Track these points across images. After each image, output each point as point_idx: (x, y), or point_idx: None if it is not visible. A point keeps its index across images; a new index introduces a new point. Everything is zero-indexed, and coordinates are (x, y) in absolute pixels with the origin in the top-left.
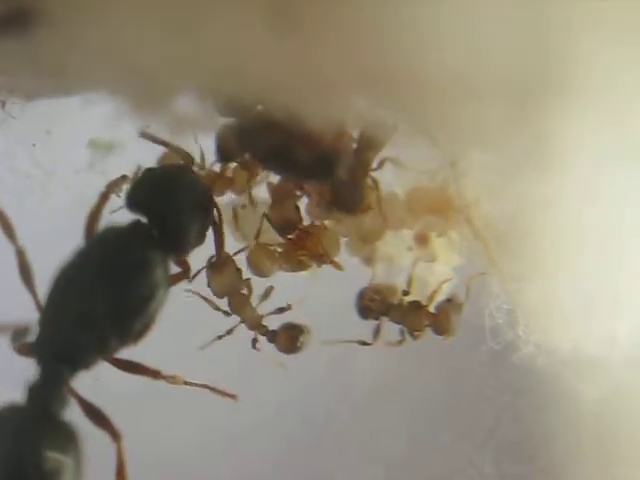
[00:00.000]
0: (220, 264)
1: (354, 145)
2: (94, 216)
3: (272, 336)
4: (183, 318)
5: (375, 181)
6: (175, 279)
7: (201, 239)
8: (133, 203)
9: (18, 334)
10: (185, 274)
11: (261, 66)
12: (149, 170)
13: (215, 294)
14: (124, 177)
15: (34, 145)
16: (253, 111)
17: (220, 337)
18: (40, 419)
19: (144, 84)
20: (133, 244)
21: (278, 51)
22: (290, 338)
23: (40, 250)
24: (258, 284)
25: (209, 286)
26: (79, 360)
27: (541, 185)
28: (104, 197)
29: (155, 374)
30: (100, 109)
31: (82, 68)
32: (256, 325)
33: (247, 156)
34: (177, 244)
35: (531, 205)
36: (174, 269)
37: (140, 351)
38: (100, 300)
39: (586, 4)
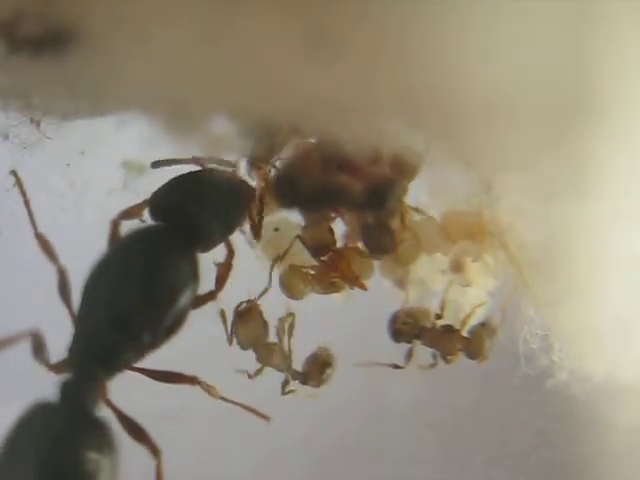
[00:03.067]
0: (246, 312)
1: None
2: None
3: (304, 378)
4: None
5: (402, 214)
6: (205, 299)
7: (230, 231)
8: (157, 207)
9: (37, 344)
10: (214, 294)
11: (297, 89)
12: (169, 181)
13: (241, 346)
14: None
15: (68, 165)
16: (291, 154)
17: (250, 377)
18: (76, 418)
19: (179, 104)
20: (160, 241)
21: (315, 75)
22: (319, 373)
23: (72, 269)
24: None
25: (235, 336)
26: (112, 359)
27: (576, 209)
28: (115, 224)
29: (192, 380)
30: (134, 130)
31: (117, 88)
32: (285, 370)
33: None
34: (202, 240)
35: (566, 229)
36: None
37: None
38: (130, 296)
39: (622, 30)
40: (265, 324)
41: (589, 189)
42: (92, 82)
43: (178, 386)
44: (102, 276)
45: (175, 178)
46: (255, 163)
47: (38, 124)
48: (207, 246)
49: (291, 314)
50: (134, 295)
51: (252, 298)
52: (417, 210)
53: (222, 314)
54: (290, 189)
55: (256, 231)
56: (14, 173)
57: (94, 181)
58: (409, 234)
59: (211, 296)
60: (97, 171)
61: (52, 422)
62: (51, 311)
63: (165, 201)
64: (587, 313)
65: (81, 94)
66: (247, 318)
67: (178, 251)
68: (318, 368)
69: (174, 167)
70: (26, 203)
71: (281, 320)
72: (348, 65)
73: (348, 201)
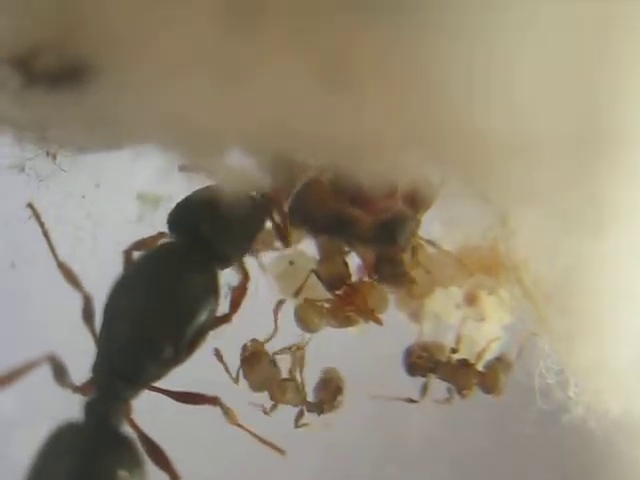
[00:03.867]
0: (252, 357)
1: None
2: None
3: (319, 408)
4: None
5: (415, 249)
6: (219, 321)
7: (247, 248)
8: (175, 223)
9: (57, 369)
10: (229, 317)
11: (311, 122)
12: (186, 197)
13: (252, 388)
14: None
15: (84, 197)
16: (305, 183)
17: (266, 412)
18: (103, 437)
19: (194, 138)
20: (178, 256)
21: (328, 107)
22: (332, 400)
23: None
24: None
25: (245, 379)
26: (135, 375)
27: (592, 245)
28: (128, 255)
29: (213, 401)
30: (150, 162)
31: (133, 122)
32: (300, 405)
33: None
34: (221, 255)
35: (582, 265)
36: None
37: None
38: (151, 310)
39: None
40: (273, 364)
41: (606, 225)
42: (108, 116)
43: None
44: (122, 293)
45: (193, 194)
46: (273, 196)
47: (54, 157)
48: (225, 262)
49: (301, 347)
50: (154, 310)
51: (255, 339)
52: (431, 243)
53: (217, 353)
54: (302, 218)
55: (284, 238)
56: (30, 205)
57: (110, 213)
58: (421, 269)
59: (225, 319)
60: (113, 203)
61: (79, 441)
62: (65, 343)
63: (183, 217)
64: (603, 348)
65: (97, 128)
66: (254, 362)
67: (196, 266)
68: (331, 394)
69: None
70: (45, 234)
71: (292, 354)
72: (365, 98)
73: (359, 234)
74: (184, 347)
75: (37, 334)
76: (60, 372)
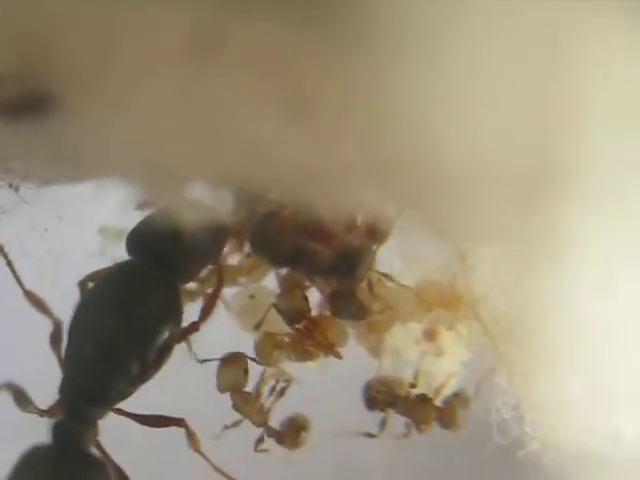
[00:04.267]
0: (232, 359)
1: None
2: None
3: (279, 437)
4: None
5: (370, 282)
6: (188, 330)
7: (206, 260)
8: (132, 244)
9: (18, 395)
10: (197, 325)
11: (273, 154)
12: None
13: (219, 389)
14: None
15: (46, 230)
16: (265, 213)
17: (226, 427)
18: (71, 459)
19: (157, 172)
20: (138, 272)
21: (291, 139)
22: (295, 436)
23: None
24: None
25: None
26: (101, 394)
27: (551, 280)
28: (83, 286)
29: (179, 423)
30: (112, 195)
31: (95, 155)
32: (261, 425)
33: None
34: (180, 269)
35: (541, 300)
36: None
37: None
38: (114, 327)
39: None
40: (245, 372)
41: (565, 260)
42: (70, 148)
43: None
44: (84, 313)
45: (149, 215)
46: (235, 230)
47: (17, 189)
48: (186, 276)
49: (289, 380)
50: (116, 327)
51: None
52: (388, 277)
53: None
54: (262, 249)
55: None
56: None
57: (72, 246)
58: (379, 303)
59: (194, 327)
60: (75, 236)
61: (48, 464)
62: (30, 370)
63: (139, 236)
64: (559, 384)
65: (60, 160)
66: (231, 363)
67: (156, 281)
68: (294, 430)
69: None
70: (9, 264)
71: (274, 380)
72: (325, 132)
73: (318, 266)
74: (150, 363)
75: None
76: (22, 398)
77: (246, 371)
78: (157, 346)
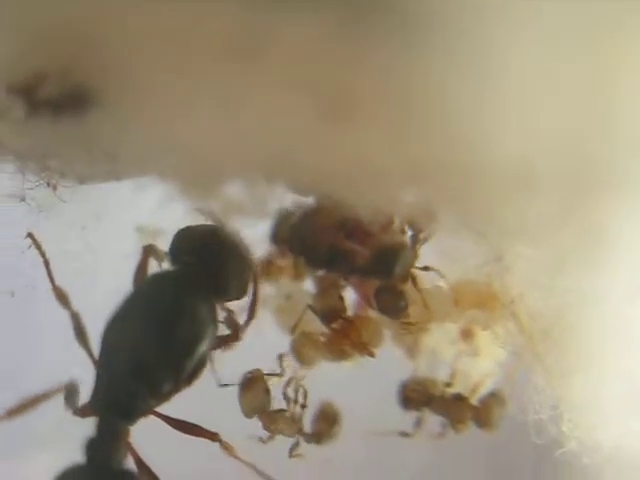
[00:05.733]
0: (250, 382)
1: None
2: (140, 270)
3: (316, 439)
4: None
5: (414, 278)
6: (225, 341)
7: (243, 283)
8: (176, 252)
9: (70, 394)
10: (235, 337)
11: (311, 153)
12: (189, 226)
13: (244, 414)
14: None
15: (83, 229)
16: (302, 214)
17: (263, 442)
18: (107, 476)
19: (195, 169)
20: (178, 286)
21: (328, 138)
22: (329, 431)
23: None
24: None
25: (239, 404)
26: (134, 408)
27: (589, 281)
28: (146, 252)
29: (212, 436)
30: (150, 194)
31: (135, 152)
32: (295, 435)
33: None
34: (221, 286)
35: (577, 300)
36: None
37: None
38: (149, 344)
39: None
40: (267, 392)
41: (603, 261)
42: (109, 146)
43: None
44: (121, 325)
45: (198, 226)
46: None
47: (54, 187)
48: (224, 296)
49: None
50: (154, 343)
51: (257, 368)
52: (429, 269)
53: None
54: (299, 249)
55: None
56: (31, 235)
57: (109, 245)
58: (418, 304)
59: (234, 337)
60: (112, 235)
61: None
62: (62, 368)
63: (185, 246)
64: (597, 383)
65: (98, 158)
66: (249, 387)
67: (197, 297)
68: (328, 426)
69: None
70: (46, 263)
71: (292, 386)
72: (364, 131)
73: (355, 266)
74: (183, 381)
75: (36, 361)
76: (72, 397)
77: (267, 391)
78: (192, 365)
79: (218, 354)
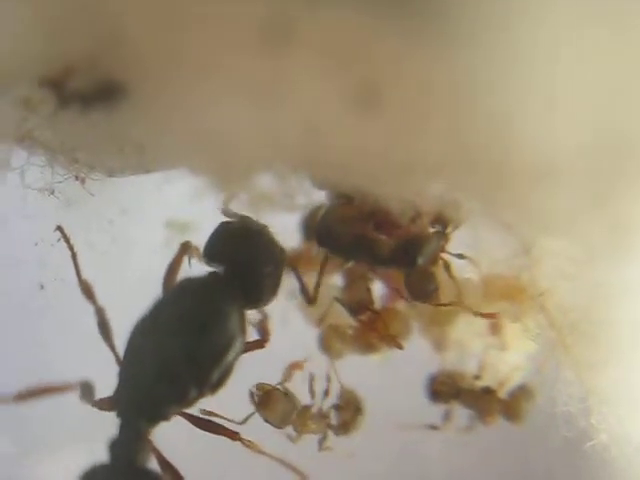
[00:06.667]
0: (265, 400)
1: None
2: (173, 268)
3: (343, 429)
4: None
5: (447, 264)
6: (253, 346)
7: (274, 292)
8: (212, 254)
9: (85, 391)
10: (263, 342)
11: (341, 145)
12: (227, 224)
13: (275, 427)
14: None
15: (110, 222)
16: (330, 205)
17: (292, 440)
18: (129, 474)
19: (225, 161)
20: (210, 294)
21: (358, 130)
22: (354, 420)
23: (115, 325)
24: None
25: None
26: (158, 413)
27: (617, 272)
28: (183, 249)
29: (233, 435)
30: (178, 187)
31: (164, 145)
32: (324, 429)
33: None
34: (253, 295)
35: (607, 292)
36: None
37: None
38: (178, 351)
39: None
40: (287, 397)
41: (631, 252)
42: (138, 139)
43: None
44: (148, 326)
45: (235, 229)
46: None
47: (83, 181)
48: (254, 304)
49: (300, 365)
50: (182, 349)
51: (260, 382)
52: (463, 257)
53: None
54: (326, 239)
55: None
56: (60, 228)
57: (136, 239)
58: (455, 285)
59: (259, 344)
60: (140, 229)
61: None
62: (92, 360)
63: (225, 249)
64: (626, 376)
65: (128, 151)
66: (267, 401)
67: (225, 302)
68: (352, 414)
69: None
70: (73, 256)
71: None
72: (394, 124)
73: (378, 257)
74: (209, 387)
75: (65, 353)
76: (88, 394)
77: (286, 396)
78: (219, 374)
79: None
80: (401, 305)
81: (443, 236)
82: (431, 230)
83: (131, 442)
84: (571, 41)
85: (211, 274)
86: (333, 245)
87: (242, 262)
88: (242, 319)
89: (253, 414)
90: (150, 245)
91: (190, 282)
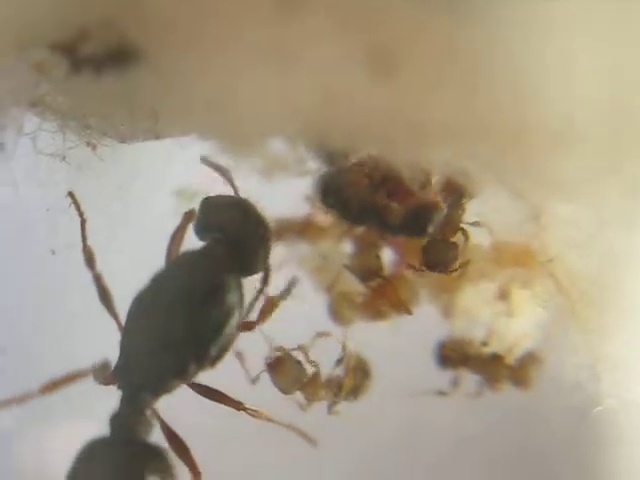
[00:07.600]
0: (276, 363)
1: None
2: (177, 237)
3: (354, 394)
4: None
5: (467, 234)
6: (242, 327)
7: (267, 259)
8: (204, 226)
9: (99, 370)
10: (254, 324)
11: (354, 108)
12: (210, 197)
13: (283, 392)
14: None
15: (121, 188)
16: (338, 168)
17: (302, 408)
18: (132, 451)
19: (237, 126)
20: (208, 266)
21: (372, 94)
22: (363, 384)
23: (123, 291)
24: None
25: (276, 386)
26: (159, 385)
27: (627, 239)
28: (187, 218)
29: (237, 405)
30: (190, 153)
31: (176, 110)
32: (334, 396)
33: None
34: (248, 263)
35: (616, 259)
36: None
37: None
38: (177, 324)
39: None
40: (299, 364)
41: None
42: (151, 103)
43: None
44: (147, 299)
45: (222, 200)
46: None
47: (94, 147)
48: (251, 271)
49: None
50: (183, 326)
51: (279, 346)
52: (478, 224)
53: (240, 356)
54: (335, 204)
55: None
56: (71, 194)
57: (146, 205)
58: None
59: (249, 326)
60: (150, 194)
61: (109, 458)
62: (103, 328)
63: (216, 221)
64: (635, 342)
65: (140, 116)
66: (279, 366)
67: (224, 273)
68: (362, 379)
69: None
70: (82, 224)
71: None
72: (408, 88)
73: (387, 223)
74: (208, 362)
75: (76, 319)
76: (102, 372)
77: (298, 362)
78: (217, 344)
79: None
80: (409, 273)
81: (460, 206)
82: (446, 201)
83: (131, 415)
84: (586, 11)
85: (208, 245)
86: (341, 209)
87: (236, 230)
88: (240, 290)
89: (263, 371)
90: (159, 211)
91: (188, 254)
